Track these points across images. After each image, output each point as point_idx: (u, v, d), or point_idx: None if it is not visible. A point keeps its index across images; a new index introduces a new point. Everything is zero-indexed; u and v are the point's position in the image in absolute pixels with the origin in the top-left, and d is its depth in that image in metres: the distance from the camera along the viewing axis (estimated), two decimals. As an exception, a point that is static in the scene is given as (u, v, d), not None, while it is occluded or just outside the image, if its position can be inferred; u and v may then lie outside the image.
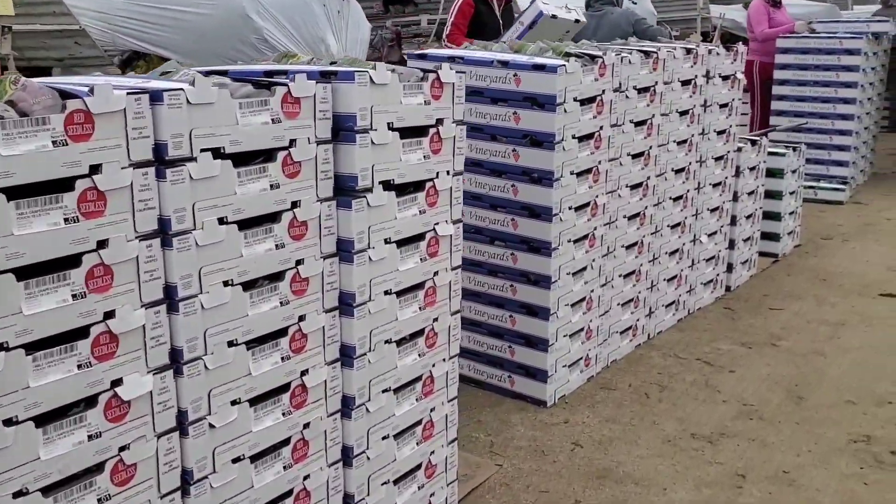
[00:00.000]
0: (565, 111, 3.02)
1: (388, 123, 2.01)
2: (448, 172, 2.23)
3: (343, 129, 1.93)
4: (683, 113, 3.90)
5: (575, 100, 3.07)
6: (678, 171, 3.95)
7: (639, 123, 3.55)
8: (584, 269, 3.35)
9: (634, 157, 3.57)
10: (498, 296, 3.31)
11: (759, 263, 5.09)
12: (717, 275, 4.53)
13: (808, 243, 5.69)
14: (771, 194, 5.26)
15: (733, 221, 4.60)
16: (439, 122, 2.17)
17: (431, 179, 2.18)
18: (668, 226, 3.95)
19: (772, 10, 7.97)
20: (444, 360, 2.36)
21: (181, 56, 4.68)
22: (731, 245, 4.62)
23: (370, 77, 1.93)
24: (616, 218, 3.52)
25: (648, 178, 3.69)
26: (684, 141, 3.95)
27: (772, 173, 5.23)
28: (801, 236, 5.73)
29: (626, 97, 3.41)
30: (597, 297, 3.47)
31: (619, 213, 3.53)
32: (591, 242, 3.36)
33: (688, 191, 4.06)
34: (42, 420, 1.47)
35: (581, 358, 3.43)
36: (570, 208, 3.17)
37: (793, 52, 7.36)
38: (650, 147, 3.66)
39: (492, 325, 3.36)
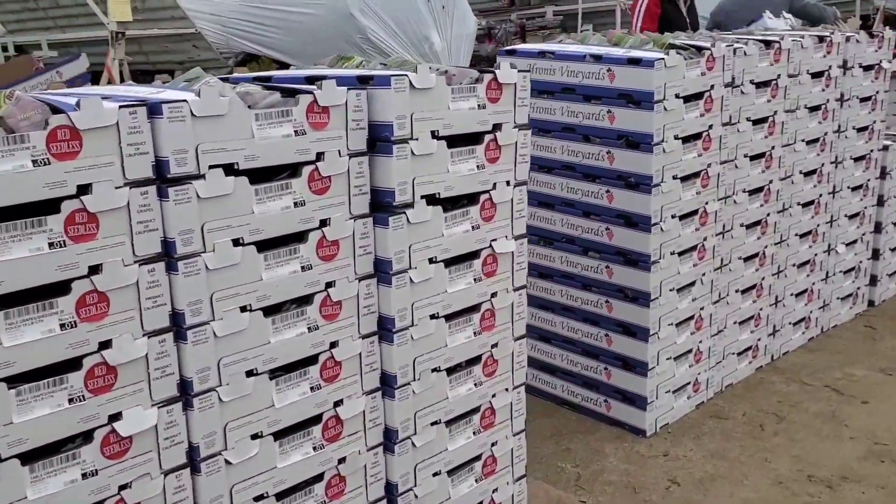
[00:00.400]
0: (665, 109, 2.71)
1: (433, 132, 1.81)
2: (508, 183, 2.01)
3: (379, 140, 1.75)
4: (814, 109, 3.46)
5: (677, 96, 2.75)
6: (808, 174, 3.52)
7: (758, 121, 3.17)
8: (693, 284, 3.02)
9: (753, 158, 3.19)
10: (593, 312, 3.04)
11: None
12: (858, 288, 4.03)
13: None
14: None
15: (877, 228, 4.07)
16: (497, 127, 1.95)
17: (487, 191, 1.97)
18: (795, 234, 3.52)
19: None
20: (506, 389, 2.14)
21: (291, 57, 4.67)
22: (875, 255, 4.10)
23: (409, 81, 1.75)
24: (731, 227, 3.16)
25: (771, 181, 3.30)
26: (816, 140, 3.51)
27: None
28: None
29: (742, 92, 3.04)
30: (708, 314, 3.12)
31: (735, 222, 3.17)
32: (701, 254, 3.02)
33: (820, 195, 3.61)
34: (30, 457, 1.39)
35: (689, 383, 3.10)
36: (673, 217, 2.86)
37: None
38: (772, 147, 3.26)
39: (587, 344, 3.09)
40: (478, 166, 1.94)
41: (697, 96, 2.85)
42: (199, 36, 4.87)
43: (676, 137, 2.79)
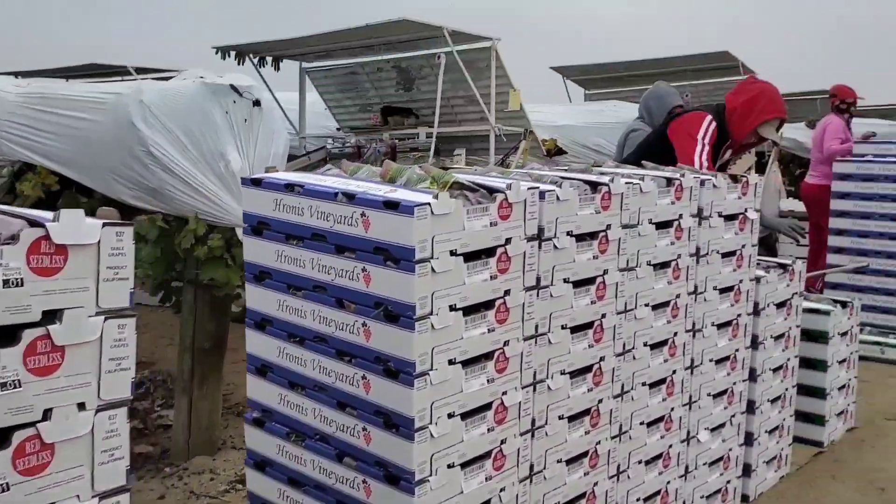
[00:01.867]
0: (433, 271, 1.97)
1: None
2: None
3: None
4: (662, 266, 2.80)
5: (454, 253, 2.02)
6: (656, 346, 2.82)
7: (581, 283, 2.46)
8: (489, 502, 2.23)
9: (576, 330, 2.47)
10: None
11: (796, 456, 3.82)
12: (728, 482, 3.29)
13: (867, 426, 4.37)
14: (812, 364, 4.03)
15: (751, 408, 3.38)
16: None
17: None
18: (640, 423, 2.79)
19: (848, 133, 6.95)
20: None
21: (68, 169, 3.89)
22: (749, 440, 3.40)
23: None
24: (546, 420, 2.40)
25: (602, 358, 2.57)
26: (665, 303, 2.83)
27: (813, 337, 4.02)
28: (859, 415, 4.42)
29: (555, 247, 2.34)
30: (515, 537, 2.32)
31: (550, 414, 2.41)
32: (498, 463, 2.24)
33: (673, 372, 2.90)
34: None
35: None
36: (451, 416, 2.08)
37: (853, 178, 6.19)
38: (602, 316, 2.55)
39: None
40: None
41: (487, 252, 2.13)
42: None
43: (453, 308, 2.04)
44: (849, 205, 6.18)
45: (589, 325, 2.52)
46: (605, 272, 2.54)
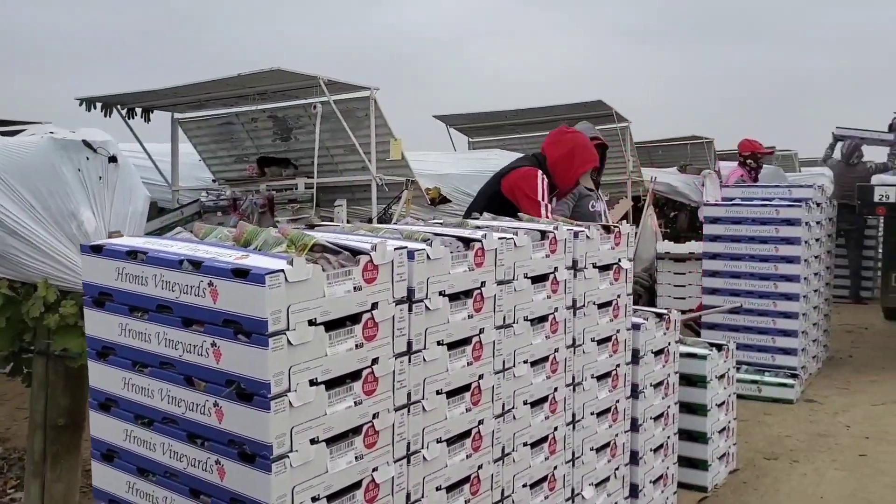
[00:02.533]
0: (290, 343, 1.82)
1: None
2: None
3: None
4: (539, 320, 2.73)
5: (313, 323, 1.87)
6: (536, 403, 2.73)
7: (455, 345, 2.36)
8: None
9: (451, 394, 2.36)
10: None
11: (681, 502, 3.81)
12: (615, 537, 3.23)
13: (747, 466, 4.43)
14: (692, 409, 4.06)
15: (634, 459, 3.34)
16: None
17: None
18: (522, 486, 2.68)
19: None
20: None
21: None
22: (634, 492, 3.35)
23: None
24: (423, 494, 2.26)
25: (481, 422, 2.46)
26: (544, 359, 2.76)
27: (691, 381, 4.06)
28: (740, 456, 4.48)
29: (427, 308, 2.23)
30: None
31: (427, 487, 2.27)
32: (376, 539, 2.07)
33: (555, 429, 2.83)
34: None
35: None
36: (314, 500, 1.91)
37: (723, 221, 6.40)
38: (479, 377, 2.45)
39: None
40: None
41: (352, 319, 1.99)
42: None
43: (314, 383, 1.89)
44: (720, 247, 6.38)
45: (466, 388, 2.41)
46: (481, 331, 2.45)
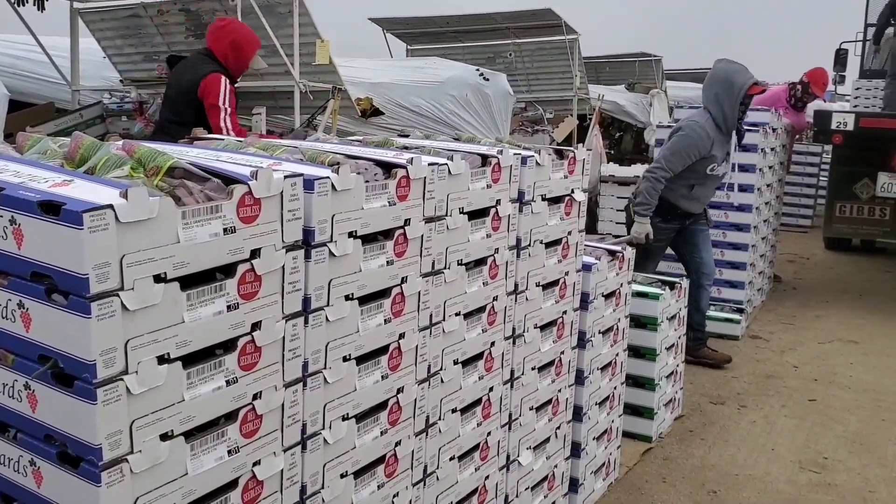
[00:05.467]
0: (125, 308, 1.30)
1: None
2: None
3: None
4: (476, 264, 2.26)
5: (161, 279, 1.35)
6: (469, 362, 2.28)
7: (368, 298, 1.86)
8: None
9: (364, 359, 1.88)
10: None
11: (625, 456, 3.47)
12: (553, 503, 2.86)
13: (693, 412, 4.12)
14: (640, 353, 3.69)
15: (577, 415, 2.96)
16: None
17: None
18: (449, 459, 2.25)
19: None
20: None
21: None
22: (576, 451, 2.98)
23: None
24: (324, 483, 1.80)
25: (401, 390, 2.00)
26: (481, 309, 2.30)
27: (641, 323, 3.68)
28: (686, 401, 4.17)
29: (331, 254, 1.72)
30: None
31: (325, 477, 1.81)
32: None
33: (490, 390, 2.39)
34: None
35: None
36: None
37: (675, 145, 5.96)
38: (400, 337, 1.97)
39: None
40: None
41: (225, 271, 1.48)
42: None
43: (164, 360, 1.38)
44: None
45: (384, 350, 1.94)
46: (404, 280, 1.96)
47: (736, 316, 5.54)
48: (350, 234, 1.76)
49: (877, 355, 5.17)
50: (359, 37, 10.52)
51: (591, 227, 9.22)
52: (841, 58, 13.04)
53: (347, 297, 1.78)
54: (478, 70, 7.05)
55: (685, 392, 4.19)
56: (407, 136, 2.86)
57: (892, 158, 6.81)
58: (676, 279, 3.99)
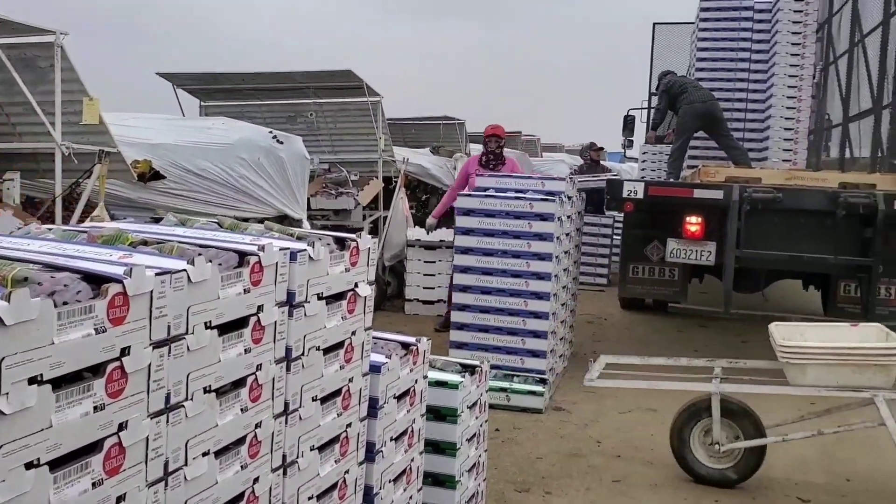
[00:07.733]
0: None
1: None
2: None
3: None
4: (234, 385, 1.86)
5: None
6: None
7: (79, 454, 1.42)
8: None
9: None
10: None
11: (425, 566, 3.13)
12: None
13: (497, 499, 3.88)
14: (438, 447, 3.39)
15: (368, 539, 2.59)
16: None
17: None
18: None
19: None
20: None
21: None
22: (367, 580, 2.60)
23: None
24: None
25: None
26: (240, 441, 1.89)
27: (440, 415, 3.39)
28: (490, 490, 3.92)
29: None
30: None
31: None
32: None
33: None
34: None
35: None
36: None
37: (476, 213, 5.87)
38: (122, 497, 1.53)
39: None
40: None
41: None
42: None
43: None
44: (472, 241, 5.85)
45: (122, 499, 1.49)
46: (122, 426, 1.52)
47: (539, 388, 5.44)
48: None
49: (673, 423, 5.20)
50: (151, 93, 9.82)
51: (399, 292, 8.99)
52: (628, 123, 13.89)
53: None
54: (271, 132, 6.66)
55: (489, 477, 3.95)
56: (160, 219, 2.43)
57: (679, 225, 7.10)
58: (477, 362, 3.76)
